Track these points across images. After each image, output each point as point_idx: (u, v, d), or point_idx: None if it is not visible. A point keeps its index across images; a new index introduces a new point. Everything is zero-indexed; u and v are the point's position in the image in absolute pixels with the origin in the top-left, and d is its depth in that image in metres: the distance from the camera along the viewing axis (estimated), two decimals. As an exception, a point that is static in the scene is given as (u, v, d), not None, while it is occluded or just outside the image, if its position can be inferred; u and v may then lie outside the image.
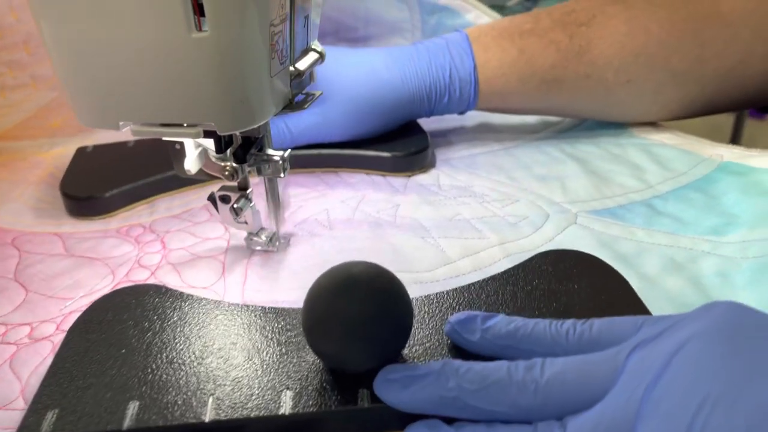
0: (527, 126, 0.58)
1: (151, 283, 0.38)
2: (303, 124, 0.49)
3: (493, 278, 0.35)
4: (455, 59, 0.50)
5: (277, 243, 0.41)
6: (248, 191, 0.38)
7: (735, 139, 1.49)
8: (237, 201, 0.38)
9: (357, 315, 0.27)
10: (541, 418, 0.25)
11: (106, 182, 0.47)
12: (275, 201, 0.39)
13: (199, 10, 0.26)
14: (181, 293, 0.34)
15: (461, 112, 0.53)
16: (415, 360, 0.29)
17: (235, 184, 0.38)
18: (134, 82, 0.28)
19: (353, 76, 0.49)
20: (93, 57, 0.27)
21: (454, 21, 0.72)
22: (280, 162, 0.36)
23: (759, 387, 0.20)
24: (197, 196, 0.48)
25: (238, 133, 0.35)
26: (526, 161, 0.52)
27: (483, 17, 0.71)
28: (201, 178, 0.37)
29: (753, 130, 1.63)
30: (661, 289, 0.36)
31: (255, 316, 0.32)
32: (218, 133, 0.29)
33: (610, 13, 0.50)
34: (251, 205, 0.39)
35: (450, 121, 0.58)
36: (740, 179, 0.45)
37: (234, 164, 0.36)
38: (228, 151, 0.35)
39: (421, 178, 0.50)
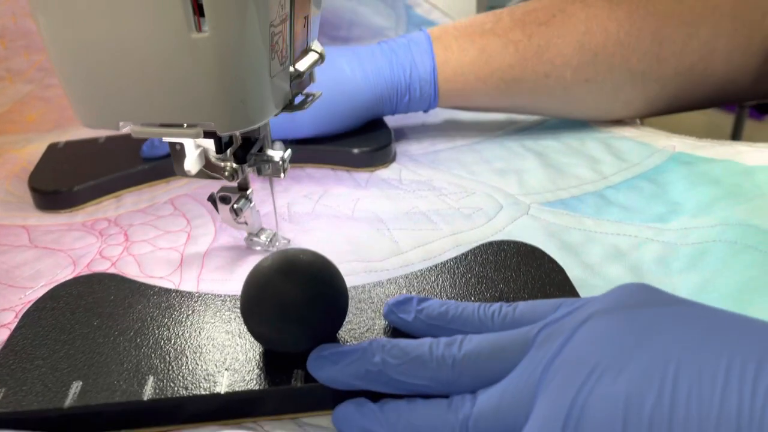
0: (492, 123, 0.59)
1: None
2: (270, 120, 0.50)
3: (435, 267, 0.36)
4: (416, 58, 0.51)
5: (277, 243, 0.41)
6: (248, 191, 0.39)
7: (735, 139, 1.50)
8: (237, 201, 0.38)
9: (291, 297, 0.28)
10: (458, 391, 0.26)
11: (73, 177, 0.48)
12: (275, 202, 0.39)
13: (199, 11, 0.26)
14: (135, 282, 0.36)
15: (425, 110, 0.54)
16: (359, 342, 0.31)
17: (235, 184, 0.38)
18: (134, 82, 0.27)
19: (317, 75, 0.50)
20: (92, 57, 0.27)
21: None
22: (280, 162, 0.36)
23: (644, 354, 0.22)
24: (163, 191, 0.49)
25: (237, 133, 0.35)
26: (488, 156, 0.53)
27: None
28: (201, 178, 0.37)
29: (752, 130, 1.64)
30: (601, 277, 0.37)
31: (202, 302, 0.34)
32: (218, 133, 0.29)
33: (570, 13, 0.51)
34: (251, 205, 0.39)
35: (416, 117, 0.60)
36: (688, 169, 0.46)
37: (234, 164, 0.36)
38: (228, 151, 0.35)
39: (384, 173, 0.51)
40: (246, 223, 0.40)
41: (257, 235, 0.41)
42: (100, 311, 0.33)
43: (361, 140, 0.52)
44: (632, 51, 0.50)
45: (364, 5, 0.75)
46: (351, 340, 0.31)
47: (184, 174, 0.36)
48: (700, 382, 0.20)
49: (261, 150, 0.37)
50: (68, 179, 0.48)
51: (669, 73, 0.51)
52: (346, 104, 0.51)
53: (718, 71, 0.50)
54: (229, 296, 0.34)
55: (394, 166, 0.52)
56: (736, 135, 1.51)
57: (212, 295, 0.34)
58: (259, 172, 0.37)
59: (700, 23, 0.49)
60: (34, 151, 0.57)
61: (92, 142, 0.54)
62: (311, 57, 0.34)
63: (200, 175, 0.37)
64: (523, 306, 0.29)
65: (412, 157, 0.54)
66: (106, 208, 0.47)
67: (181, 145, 0.35)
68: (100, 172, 0.49)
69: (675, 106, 0.54)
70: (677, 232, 0.40)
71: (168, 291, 0.35)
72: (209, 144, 0.35)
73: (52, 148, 0.53)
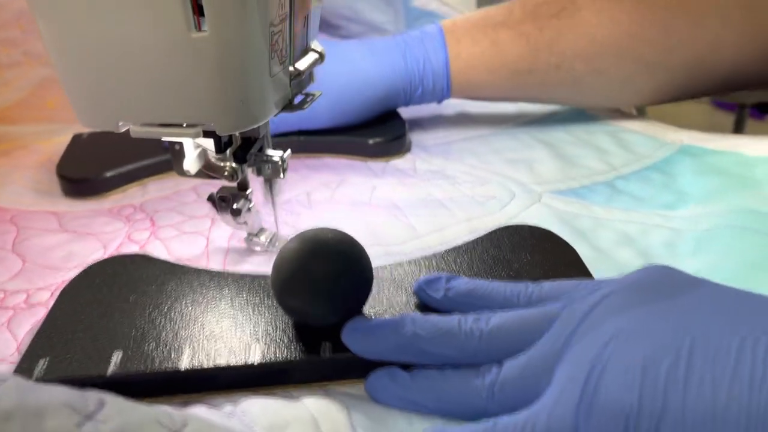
0: (504, 115, 0.61)
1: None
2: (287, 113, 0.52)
3: (454, 249, 0.38)
4: (429, 51, 0.53)
5: (277, 243, 0.42)
6: (248, 191, 0.39)
7: (735, 139, 1.51)
8: (237, 201, 0.38)
9: (320, 273, 0.29)
10: (485, 361, 0.28)
11: (100, 165, 0.50)
12: (275, 202, 0.39)
13: (199, 10, 0.26)
14: (165, 262, 0.37)
15: (438, 102, 0.56)
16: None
17: (234, 184, 0.38)
18: (134, 82, 0.27)
19: (333, 68, 0.52)
20: (92, 57, 0.27)
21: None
22: (280, 162, 0.37)
23: (662, 326, 0.23)
24: (186, 179, 0.51)
25: (237, 133, 0.35)
26: (499, 147, 0.54)
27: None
28: (200, 178, 0.37)
29: (753, 130, 1.65)
30: (611, 260, 0.38)
31: (232, 280, 0.35)
32: (218, 133, 0.29)
33: (580, 4, 0.52)
34: (251, 205, 0.39)
35: (430, 109, 0.61)
36: (696, 160, 0.48)
37: (234, 164, 0.36)
38: (228, 151, 0.35)
39: (399, 163, 0.53)
40: (246, 223, 0.40)
41: (257, 235, 0.41)
42: (135, 288, 0.35)
43: (376, 131, 0.54)
44: (641, 42, 0.51)
45: (362, 1, 0.76)
46: (375, 316, 0.33)
47: (184, 174, 0.36)
48: (716, 351, 0.21)
49: (261, 150, 0.37)
50: (95, 167, 0.50)
51: (678, 63, 0.52)
52: (361, 96, 0.53)
53: (727, 60, 0.51)
54: (260, 275, 0.36)
55: (408, 156, 0.54)
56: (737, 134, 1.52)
57: (241, 274, 0.36)
58: (259, 172, 0.37)
59: (708, 12, 0.50)
60: (58, 142, 0.58)
61: (114, 133, 0.55)
62: (311, 56, 0.34)
63: (200, 175, 0.36)
64: (548, 285, 0.31)
65: (425, 147, 0.55)
66: (132, 195, 0.49)
67: (181, 144, 0.35)
68: (125, 161, 0.50)
69: (685, 93, 0.55)
70: (685, 219, 0.41)
71: (198, 270, 0.36)
72: (209, 144, 0.35)
73: (77, 139, 0.55)
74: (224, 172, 0.36)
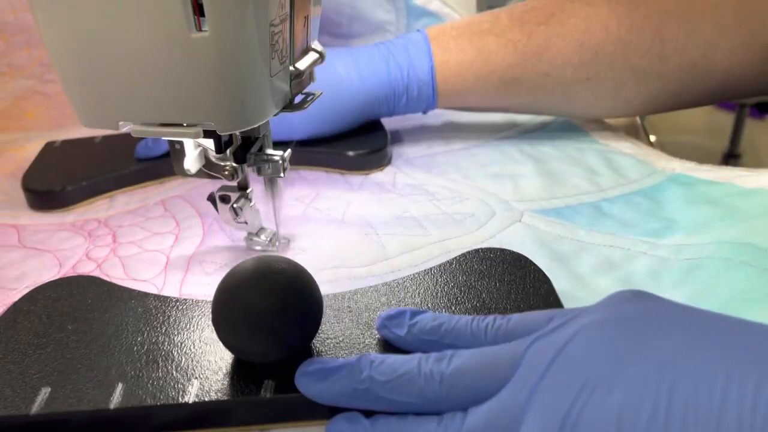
0: (491, 126, 0.58)
1: (95, 275, 0.39)
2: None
3: (417, 275, 0.35)
4: (414, 59, 0.51)
5: (277, 243, 0.41)
6: (248, 191, 0.38)
7: (735, 138, 1.47)
8: (237, 201, 0.38)
9: (259, 306, 0.27)
10: (448, 408, 0.26)
11: (67, 177, 0.48)
12: (276, 201, 0.39)
13: (199, 10, 0.26)
14: (114, 285, 0.35)
15: (424, 112, 0.54)
16: (334, 353, 0.30)
17: (234, 184, 0.38)
18: (134, 82, 0.28)
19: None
20: (92, 57, 0.27)
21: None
22: (280, 162, 0.36)
23: (637, 367, 0.21)
24: (156, 192, 0.49)
25: (237, 133, 0.35)
26: (484, 160, 0.52)
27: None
28: (201, 177, 0.37)
29: (753, 131, 1.61)
30: (589, 289, 0.36)
31: (179, 308, 0.33)
32: (218, 133, 0.29)
33: (569, 11, 0.50)
34: (251, 205, 0.39)
35: (415, 119, 0.59)
36: (686, 189, 0.45)
37: (234, 164, 0.36)
38: (228, 151, 0.35)
39: (379, 176, 0.51)
40: (246, 222, 0.39)
41: (257, 234, 0.41)
42: (76, 315, 0.33)
43: (357, 143, 0.52)
44: (633, 49, 0.49)
45: (363, 1, 0.74)
46: (326, 350, 0.30)
47: (184, 173, 0.36)
48: (697, 395, 0.19)
49: (261, 149, 0.37)
50: (62, 179, 0.48)
51: (671, 70, 0.50)
52: (341, 106, 0.51)
53: (720, 67, 0.49)
54: (207, 301, 0.34)
55: (389, 169, 0.51)
56: (736, 134, 1.47)
57: (191, 300, 0.34)
58: (259, 171, 0.37)
59: (701, 19, 0.48)
60: (32, 149, 0.57)
61: (88, 141, 0.54)
62: (311, 56, 0.34)
63: (200, 174, 0.37)
64: (517, 318, 0.28)
65: (408, 159, 0.53)
66: (98, 208, 0.47)
67: (181, 144, 0.35)
68: (93, 172, 0.49)
69: (677, 103, 0.53)
70: (671, 247, 0.39)
71: (146, 295, 0.34)
72: (209, 143, 0.35)
73: (49, 147, 0.53)
74: (224, 172, 0.36)
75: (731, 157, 1.44)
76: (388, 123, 0.55)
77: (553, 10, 0.50)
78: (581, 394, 0.21)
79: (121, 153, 0.51)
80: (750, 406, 0.18)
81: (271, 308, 0.27)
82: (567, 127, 0.57)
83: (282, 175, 0.37)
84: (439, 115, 0.59)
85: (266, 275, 0.28)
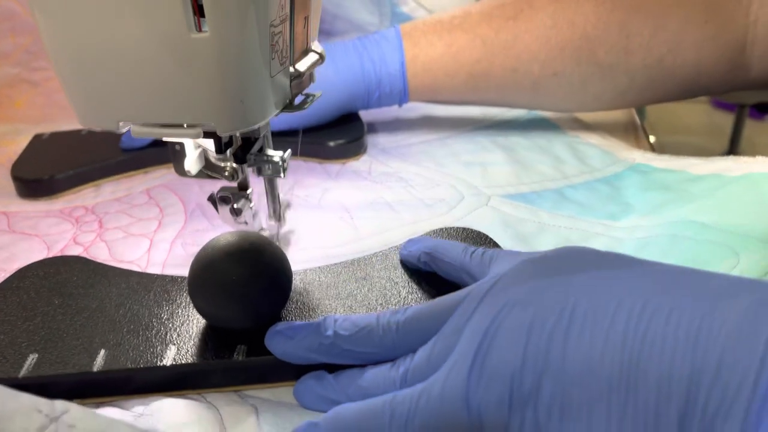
0: (465, 119, 0.61)
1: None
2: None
3: (385, 251, 0.38)
4: (386, 54, 0.53)
5: (277, 243, 0.41)
6: (248, 191, 0.39)
7: (735, 139, 1.49)
8: (237, 201, 0.38)
9: (231, 276, 0.29)
10: (403, 354, 0.28)
11: (55, 166, 0.50)
12: (275, 201, 0.40)
13: (199, 11, 0.26)
14: (99, 264, 0.37)
15: (399, 105, 0.56)
16: (304, 320, 0.32)
17: (235, 184, 0.38)
18: (134, 83, 0.28)
19: None
20: (92, 57, 0.27)
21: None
22: (280, 162, 0.37)
23: (548, 293, 0.24)
24: (140, 181, 0.51)
25: (238, 133, 0.35)
26: (457, 150, 0.54)
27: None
28: (201, 178, 0.37)
29: (752, 131, 1.64)
30: (548, 264, 0.38)
31: (159, 283, 0.35)
32: (218, 133, 0.29)
33: (537, 7, 0.52)
34: (251, 205, 0.39)
35: (391, 112, 0.61)
36: (644, 177, 0.47)
37: (234, 164, 0.36)
38: (228, 151, 0.35)
39: (355, 165, 0.53)
40: (246, 222, 0.40)
41: None
42: (63, 291, 0.35)
43: (334, 133, 0.54)
44: (599, 44, 0.51)
45: (348, 1, 0.76)
46: (296, 319, 0.32)
47: (185, 174, 0.36)
48: (595, 310, 0.23)
49: (261, 150, 0.37)
50: (49, 168, 0.50)
51: (637, 66, 0.51)
52: (318, 100, 0.53)
53: (688, 62, 0.50)
54: (186, 278, 0.36)
55: (365, 158, 0.54)
56: (736, 135, 1.50)
57: (170, 276, 0.36)
58: (259, 172, 0.37)
59: (668, 14, 0.49)
60: (22, 142, 0.59)
61: (76, 133, 0.56)
62: (311, 57, 0.34)
63: (200, 175, 0.37)
64: (491, 252, 0.32)
65: (384, 149, 0.55)
66: (85, 196, 0.49)
67: (181, 145, 0.35)
68: (80, 162, 0.51)
69: (647, 98, 0.54)
70: (626, 228, 0.41)
71: (129, 273, 0.36)
72: (209, 144, 0.35)
73: (37, 139, 0.55)
74: (224, 172, 0.36)
75: (731, 158, 1.46)
76: (366, 115, 0.58)
77: (522, 5, 0.52)
78: (502, 311, 0.25)
79: (108, 143, 0.53)
80: (637, 313, 0.22)
81: (242, 277, 0.29)
82: (539, 119, 0.59)
83: (282, 175, 0.37)
84: (415, 108, 0.62)
85: (239, 248, 0.30)
